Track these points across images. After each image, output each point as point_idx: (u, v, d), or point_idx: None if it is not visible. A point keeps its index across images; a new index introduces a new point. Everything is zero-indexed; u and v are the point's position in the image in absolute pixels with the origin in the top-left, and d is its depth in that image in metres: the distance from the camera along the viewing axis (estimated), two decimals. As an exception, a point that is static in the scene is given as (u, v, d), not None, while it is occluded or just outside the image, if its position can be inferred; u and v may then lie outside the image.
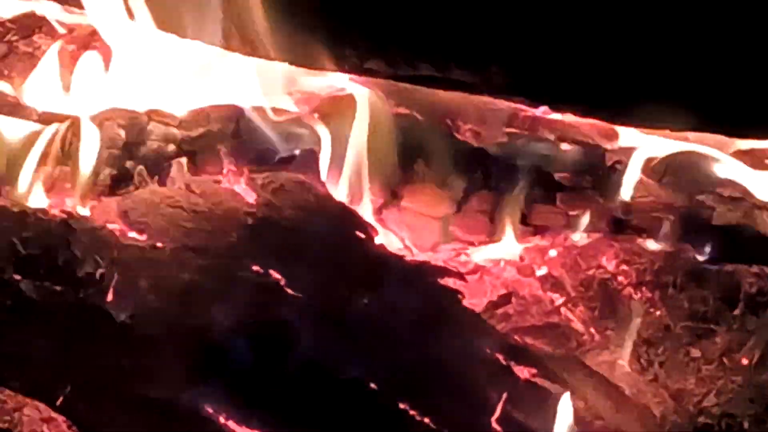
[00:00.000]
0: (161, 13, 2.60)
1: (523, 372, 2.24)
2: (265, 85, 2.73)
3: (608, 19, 2.39)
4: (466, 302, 2.40)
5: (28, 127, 2.57)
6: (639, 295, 2.57)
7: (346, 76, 2.66)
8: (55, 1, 2.87)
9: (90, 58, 2.86)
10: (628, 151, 2.66)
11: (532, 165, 2.65)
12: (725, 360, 2.46)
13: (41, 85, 2.77)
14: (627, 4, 2.39)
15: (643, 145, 2.67)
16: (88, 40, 2.90)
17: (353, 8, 2.47)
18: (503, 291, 2.60)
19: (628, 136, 2.69)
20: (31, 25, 2.95)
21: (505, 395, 2.18)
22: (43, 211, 2.39)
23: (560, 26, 2.42)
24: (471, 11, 2.43)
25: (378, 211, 2.65)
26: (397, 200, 2.64)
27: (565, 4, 2.41)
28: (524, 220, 2.62)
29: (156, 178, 2.54)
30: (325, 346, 2.21)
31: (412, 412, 2.15)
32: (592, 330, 2.54)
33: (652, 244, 2.57)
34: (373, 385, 2.16)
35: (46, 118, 2.58)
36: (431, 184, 2.63)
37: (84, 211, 2.47)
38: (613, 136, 2.69)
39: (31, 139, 2.55)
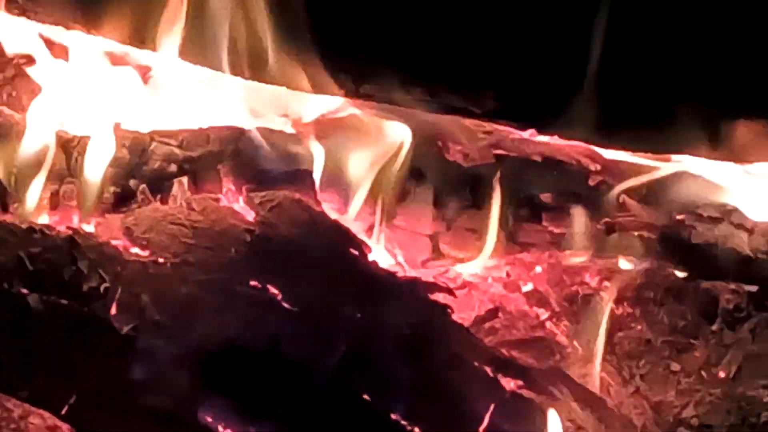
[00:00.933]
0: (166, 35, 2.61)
1: (509, 384, 2.25)
2: (264, 107, 2.73)
3: (591, 50, 2.42)
4: (454, 316, 2.40)
5: (36, 146, 2.56)
6: (621, 310, 2.59)
7: (342, 99, 2.64)
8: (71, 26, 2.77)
9: (96, 80, 2.84)
10: (611, 172, 2.65)
11: (519, 185, 2.66)
12: (703, 373, 2.48)
13: (48, 107, 2.72)
14: (607, 38, 2.42)
15: (625, 167, 2.67)
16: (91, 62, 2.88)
17: (349, 35, 2.49)
18: (490, 306, 2.63)
19: (612, 157, 2.69)
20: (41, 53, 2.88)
21: (492, 406, 2.20)
22: (50, 227, 2.36)
23: (548, 53, 2.46)
24: (463, 39, 2.46)
25: (371, 229, 2.66)
26: (391, 218, 2.65)
27: (553, 36, 2.45)
28: (511, 238, 2.64)
29: (158, 196, 2.54)
30: (319, 358, 2.21)
31: (403, 422, 2.17)
32: (576, 344, 2.57)
33: (633, 262, 2.60)
34: (366, 396, 2.18)
35: (53, 139, 2.58)
36: (422, 203, 2.65)
37: (89, 228, 2.46)
38: (597, 158, 2.69)
39: (38, 158, 2.55)
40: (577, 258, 2.67)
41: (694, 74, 2.44)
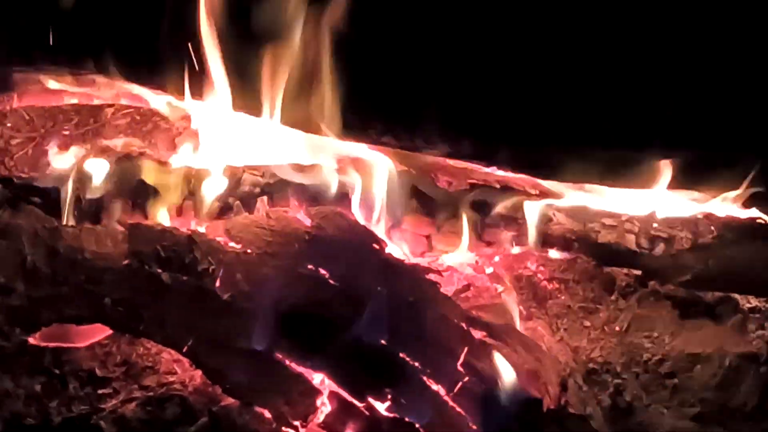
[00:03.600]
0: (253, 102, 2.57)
1: (477, 334, 2.29)
2: (318, 150, 2.69)
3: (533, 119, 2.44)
4: (441, 289, 2.44)
5: (163, 173, 2.58)
6: (551, 286, 2.63)
7: (368, 146, 2.62)
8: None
9: (207, 133, 2.83)
10: (546, 195, 2.63)
11: (485, 203, 2.65)
12: (606, 328, 2.53)
13: (178, 150, 2.77)
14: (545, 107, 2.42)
15: (556, 192, 2.64)
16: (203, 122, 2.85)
17: (375, 104, 2.48)
18: (465, 283, 2.64)
19: (546, 185, 2.64)
20: (170, 111, 2.87)
21: (466, 349, 2.23)
22: (176, 228, 2.40)
23: (505, 121, 2.46)
24: (448, 111, 2.45)
25: (388, 232, 2.64)
26: (400, 225, 2.64)
27: (511, 105, 2.44)
28: (479, 238, 2.63)
29: (247, 209, 2.55)
30: (352, 317, 2.22)
31: (407, 359, 2.20)
32: (521, 308, 2.58)
33: (560, 254, 2.59)
34: (383, 342, 2.21)
35: (179, 170, 2.59)
36: (421, 214, 2.65)
37: (201, 229, 2.47)
38: (537, 186, 2.64)
39: (168, 183, 2.56)
40: (521, 250, 2.66)
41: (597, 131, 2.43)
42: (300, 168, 2.65)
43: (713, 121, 2.36)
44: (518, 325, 2.49)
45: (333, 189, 2.62)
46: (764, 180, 2.40)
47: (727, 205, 2.49)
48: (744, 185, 2.44)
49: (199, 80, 2.61)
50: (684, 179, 2.46)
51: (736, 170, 2.43)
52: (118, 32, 2.58)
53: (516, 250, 2.65)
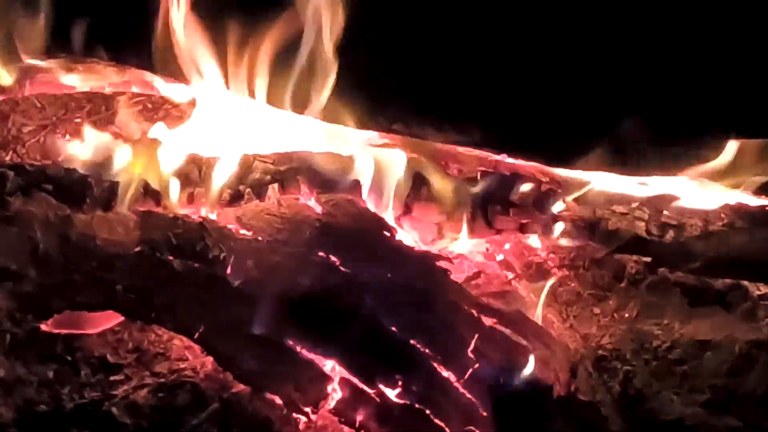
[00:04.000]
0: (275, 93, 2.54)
1: (488, 321, 2.27)
2: (330, 138, 2.69)
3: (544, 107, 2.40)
4: (452, 276, 2.41)
5: (177, 163, 2.55)
6: (561, 273, 2.61)
7: (379, 133, 2.60)
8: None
9: (217, 120, 2.80)
10: (556, 183, 2.61)
11: (496, 190, 2.63)
12: (615, 315, 2.50)
13: (186, 137, 2.73)
14: (553, 96, 2.38)
15: (566, 179, 2.61)
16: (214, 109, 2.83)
17: (385, 91, 2.46)
18: (475, 270, 2.62)
19: (557, 173, 2.60)
20: (180, 98, 2.84)
21: (476, 335, 2.21)
22: (187, 216, 2.40)
23: (515, 108, 2.42)
24: (460, 95, 2.42)
25: (397, 219, 2.63)
26: (410, 212, 2.62)
27: (518, 94, 2.41)
28: (489, 225, 2.60)
29: (258, 196, 2.52)
30: (363, 304, 2.22)
31: (418, 345, 2.18)
32: (532, 295, 2.56)
33: (570, 241, 2.58)
34: (393, 328, 2.20)
35: (191, 158, 2.57)
36: (431, 202, 2.61)
37: (213, 216, 2.47)
38: (546, 173, 2.61)
39: (180, 170, 2.54)
40: (532, 238, 2.65)
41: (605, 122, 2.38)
42: (311, 155, 2.63)
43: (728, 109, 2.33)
44: (528, 312, 2.46)
45: (344, 176, 2.59)
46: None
47: (738, 192, 2.46)
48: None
49: (209, 67, 2.60)
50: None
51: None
52: (127, 20, 2.57)
53: (527, 237, 2.64)
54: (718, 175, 2.38)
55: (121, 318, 2.30)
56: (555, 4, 2.36)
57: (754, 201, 2.48)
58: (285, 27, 2.46)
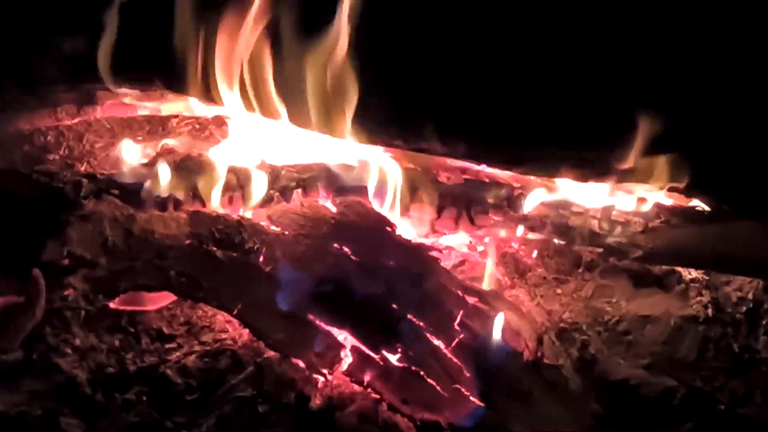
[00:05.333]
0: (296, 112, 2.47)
1: (470, 300, 2.26)
2: (343, 151, 2.62)
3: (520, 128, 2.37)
4: (442, 264, 2.41)
5: (219, 173, 2.48)
6: (531, 261, 2.62)
7: (382, 148, 2.57)
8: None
9: (251, 137, 2.79)
10: (527, 188, 2.56)
11: (477, 194, 2.56)
12: (574, 295, 2.52)
13: (226, 151, 2.69)
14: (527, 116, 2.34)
15: (534, 185, 2.57)
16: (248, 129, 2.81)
17: (387, 114, 2.41)
18: (461, 258, 2.63)
19: (527, 180, 2.58)
20: (222, 120, 2.86)
21: (461, 312, 2.22)
22: (227, 215, 2.38)
23: (494, 125, 2.37)
24: (448, 117, 2.38)
25: (398, 217, 2.55)
26: (407, 211, 2.55)
27: (499, 114, 2.36)
28: (472, 222, 2.54)
29: (285, 199, 2.49)
30: (370, 286, 2.23)
31: (414, 320, 2.18)
32: (507, 279, 2.58)
33: (537, 235, 2.53)
34: (394, 306, 2.21)
35: (230, 169, 2.50)
36: (425, 203, 2.55)
37: (248, 215, 2.46)
38: (520, 180, 2.59)
39: (219, 177, 2.47)
40: (506, 233, 2.58)
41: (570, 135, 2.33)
42: (328, 166, 2.60)
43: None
44: (504, 292, 2.49)
45: (354, 182, 2.56)
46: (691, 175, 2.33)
47: (673, 195, 2.41)
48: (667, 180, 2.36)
49: (244, 95, 2.53)
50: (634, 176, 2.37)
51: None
52: (174, 54, 2.51)
53: (502, 232, 2.59)
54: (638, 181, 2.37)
55: (174, 297, 2.33)
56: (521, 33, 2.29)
57: (686, 202, 2.45)
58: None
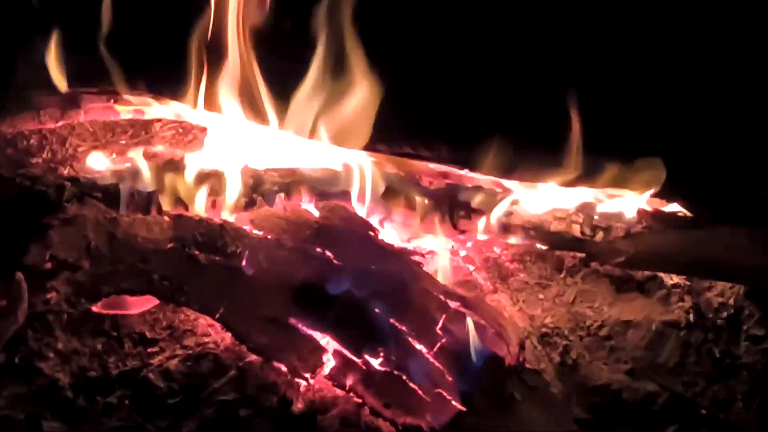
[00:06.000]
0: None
1: (453, 305, 2.27)
2: (325, 155, 2.60)
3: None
4: (424, 268, 2.41)
5: (201, 177, 2.48)
6: (513, 266, 2.61)
7: (366, 153, 2.55)
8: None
9: (232, 142, 2.76)
10: (508, 194, 2.54)
11: (460, 199, 2.55)
12: (556, 300, 2.52)
13: (207, 156, 2.67)
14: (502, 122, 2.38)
15: (515, 190, 2.55)
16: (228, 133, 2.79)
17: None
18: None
19: (508, 185, 2.57)
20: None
21: (444, 316, 2.22)
22: (210, 218, 2.38)
23: (476, 134, 2.41)
24: (431, 123, 2.42)
25: (381, 221, 2.57)
26: (390, 216, 2.55)
27: (479, 122, 2.40)
28: (455, 227, 2.54)
29: (268, 203, 2.49)
30: (352, 290, 2.22)
31: (396, 323, 2.19)
32: (489, 284, 2.58)
33: (519, 240, 2.51)
34: (377, 309, 2.20)
35: (213, 173, 2.50)
36: (408, 208, 2.55)
37: (231, 219, 2.45)
38: (501, 185, 2.58)
39: (202, 181, 2.48)
40: (488, 237, 2.56)
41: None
42: (311, 170, 2.60)
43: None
44: (486, 298, 2.47)
45: (337, 187, 2.56)
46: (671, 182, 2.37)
47: (654, 200, 2.43)
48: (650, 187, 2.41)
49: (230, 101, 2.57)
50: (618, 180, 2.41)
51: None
52: (160, 57, 2.54)
53: (484, 236, 2.59)
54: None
55: (157, 301, 2.31)
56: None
57: (667, 207, 2.47)
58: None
